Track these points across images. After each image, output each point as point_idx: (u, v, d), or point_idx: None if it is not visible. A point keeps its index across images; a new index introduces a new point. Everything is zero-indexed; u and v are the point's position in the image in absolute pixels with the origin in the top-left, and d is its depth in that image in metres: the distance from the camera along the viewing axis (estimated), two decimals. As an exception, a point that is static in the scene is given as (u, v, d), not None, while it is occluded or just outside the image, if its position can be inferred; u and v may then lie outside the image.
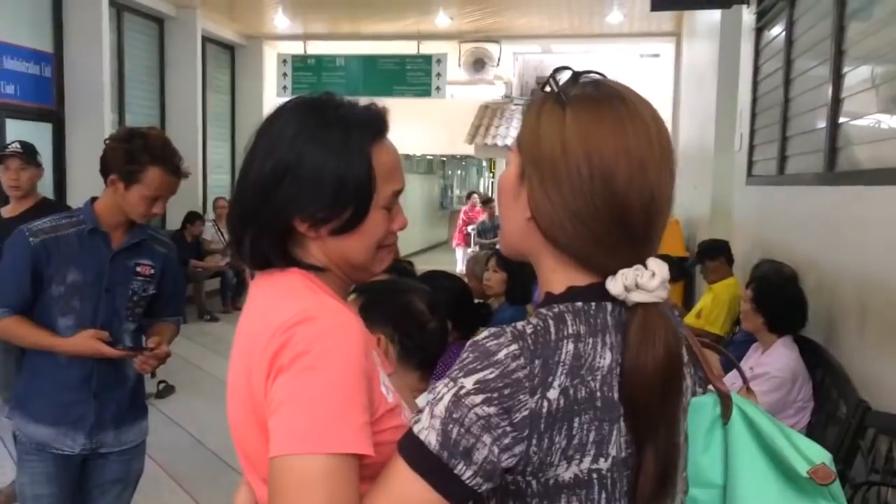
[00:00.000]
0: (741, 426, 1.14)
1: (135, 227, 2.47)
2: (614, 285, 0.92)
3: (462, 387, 0.87)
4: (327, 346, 0.96)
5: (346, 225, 1.07)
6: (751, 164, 5.31)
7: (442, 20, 10.26)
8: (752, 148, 5.31)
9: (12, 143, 4.01)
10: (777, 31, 4.80)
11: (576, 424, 0.88)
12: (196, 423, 5.27)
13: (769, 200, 4.75)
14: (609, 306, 0.93)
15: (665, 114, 10.42)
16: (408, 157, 17.34)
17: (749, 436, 1.14)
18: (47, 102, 7.75)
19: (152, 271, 2.52)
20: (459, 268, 11.91)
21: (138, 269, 2.49)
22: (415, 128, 13.05)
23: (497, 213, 12.92)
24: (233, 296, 9.51)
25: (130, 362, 2.48)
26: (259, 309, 1.07)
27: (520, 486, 0.90)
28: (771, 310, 3.23)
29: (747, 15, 5.55)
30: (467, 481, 0.87)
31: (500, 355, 0.88)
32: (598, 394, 0.89)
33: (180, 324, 2.71)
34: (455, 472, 0.86)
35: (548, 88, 0.98)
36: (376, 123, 1.12)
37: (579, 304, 0.93)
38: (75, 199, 7.54)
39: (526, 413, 0.86)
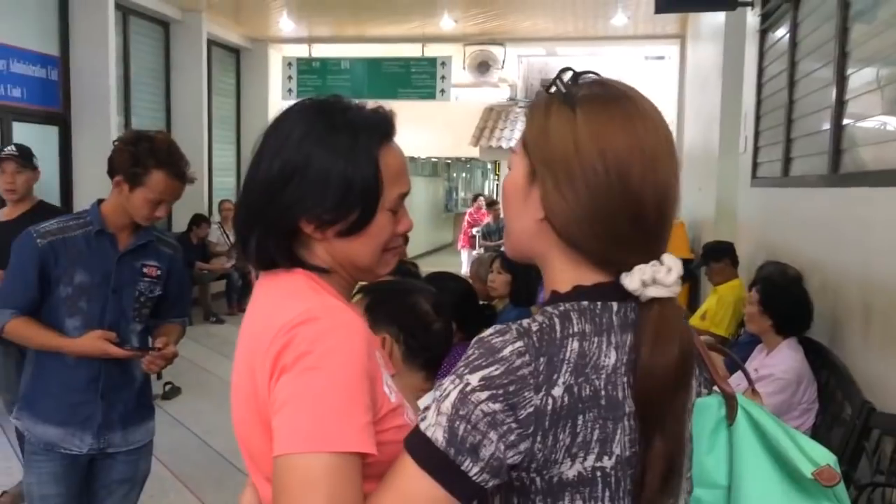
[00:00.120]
0: (746, 427, 1.15)
1: (141, 229, 2.49)
2: (631, 281, 0.92)
3: (468, 383, 0.88)
4: (330, 346, 0.97)
5: (352, 227, 1.08)
6: (755, 165, 5.31)
7: (446, 23, 10.26)
8: (756, 150, 5.30)
9: (8, 146, 3.99)
10: (781, 33, 4.80)
11: (580, 422, 0.89)
12: (202, 425, 5.29)
13: (774, 202, 4.74)
14: (615, 306, 0.94)
15: (670, 116, 10.47)
16: (413, 159, 17.35)
17: (754, 437, 1.15)
18: (54, 105, 7.78)
19: (159, 272, 2.53)
20: (464, 270, 11.91)
21: (145, 270, 2.50)
22: (419, 130, 13.04)
23: (501, 215, 12.92)
24: (238, 298, 9.52)
25: (137, 363, 2.50)
26: (263, 309, 1.08)
27: (524, 482, 0.91)
28: (779, 312, 3.21)
29: (751, 17, 5.55)
30: (474, 478, 0.87)
31: (506, 352, 0.88)
32: (603, 392, 0.90)
33: (186, 325, 2.73)
34: (462, 468, 0.87)
35: (553, 90, 0.99)
36: (384, 126, 1.12)
37: (585, 303, 0.93)
38: (81, 201, 7.58)
39: (531, 410, 0.87)
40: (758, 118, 5.30)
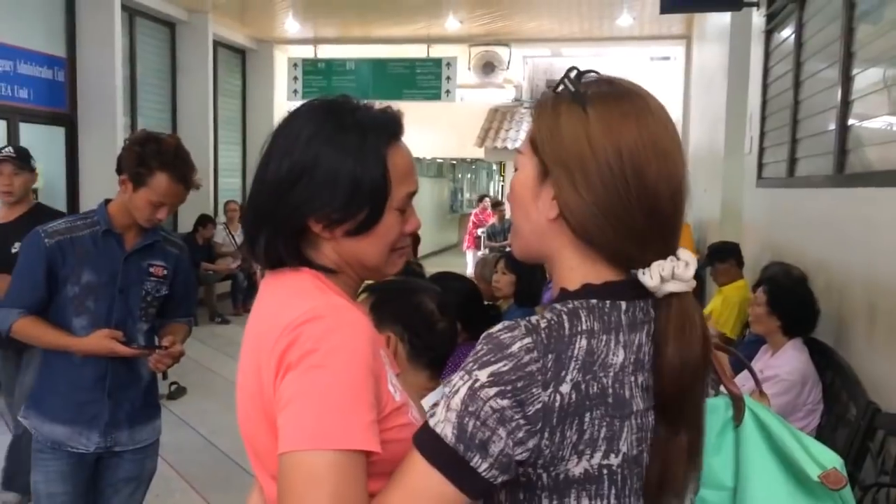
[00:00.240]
0: (753, 429, 1.15)
1: (148, 229, 2.50)
2: (651, 277, 0.93)
3: (477, 379, 0.88)
4: (335, 345, 0.97)
5: (360, 226, 1.09)
6: (761, 166, 5.30)
7: (452, 24, 10.28)
8: (762, 150, 5.30)
9: (5, 147, 3.94)
10: (787, 33, 4.79)
11: (587, 419, 0.89)
12: (207, 425, 5.30)
13: (779, 203, 4.74)
14: (623, 305, 0.94)
15: (675, 116, 10.43)
16: (418, 160, 17.25)
17: (760, 439, 1.15)
18: (60, 106, 7.81)
19: (165, 272, 2.54)
20: (469, 271, 11.91)
21: (151, 269, 2.51)
22: (425, 131, 13.06)
23: (506, 216, 12.93)
24: (243, 298, 9.54)
25: (144, 362, 2.51)
26: (268, 308, 1.09)
27: (530, 478, 0.91)
28: (787, 312, 3.20)
29: (757, 18, 5.54)
30: (483, 474, 0.88)
31: (514, 348, 0.89)
32: (610, 390, 0.91)
33: (192, 324, 2.74)
34: (471, 464, 0.87)
35: (560, 89, 0.99)
36: (392, 126, 1.13)
37: (594, 301, 0.94)
38: (88, 201, 7.61)
39: (539, 406, 0.87)
40: (763, 119, 5.29)
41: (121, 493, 2.59)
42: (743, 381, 2.07)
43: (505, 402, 0.87)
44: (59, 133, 7.89)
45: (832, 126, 3.61)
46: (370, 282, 1.32)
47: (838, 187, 3.52)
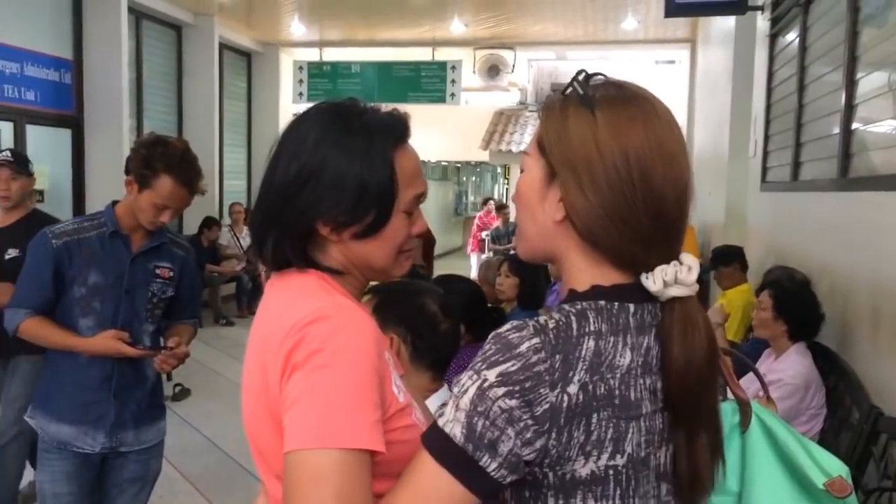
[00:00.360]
0: (759, 435, 1.15)
1: (155, 231, 2.51)
2: (653, 281, 0.94)
3: (486, 379, 0.89)
4: (340, 345, 0.98)
5: (368, 229, 1.09)
6: (765, 170, 5.30)
7: (457, 27, 10.29)
8: (766, 154, 5.29)
9: (3, 151, 3.90)
10: (791, 37, 4.79)
11: (594, 420, 0.90)
12: (211, 426, 5.31)
13: (783, 206, 4.74)
14: (631, 308, 0.95)
15: (680, 120, 10.38)
16: (423, 163, 17.26)
17: (766, 445, 1.15)
18: (67, 108, 7.84)
19: (171, 274, 2.56)
20: (474, 274, 11.90)
21: (157, 271, 2.53)
22: (429, 134, 13.06)
23: (511, 219, 12.93)
24: (248, 300, 9.55)
25: (150, 363, 2.52)
26: (274, 308, 1.09)
27: (536, 477, 0.92)
28: (794, 317, 3.18)
29: (761, 21, 5.55)
30: (492, 473, 0.88)
31: (522, 348, 0.89)
32: (617, 392, 0.91)
33: (197, 326, 2.75)
34: (480, 464, 0.88)
35: (568, 91, 1.00)
36: (399, 129, 1.14)
37: (602, 302, 0.94)
38: (94, 203, 7.63)
39: (547, 406, 0.88)
40: (767, 122, 5.29)
41: (126, 494, 2.60)
42: (747, 383, 2.07)
43: (513, 403, 0.87)
44: (65, 135, 7.91)
45: (836, 130, 3.61)
46: (374, 283, 1.33)
47: (842, 191, 3.52)
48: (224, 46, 10.59)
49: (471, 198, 25.17)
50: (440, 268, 10.56)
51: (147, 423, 2.58)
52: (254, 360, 1.08)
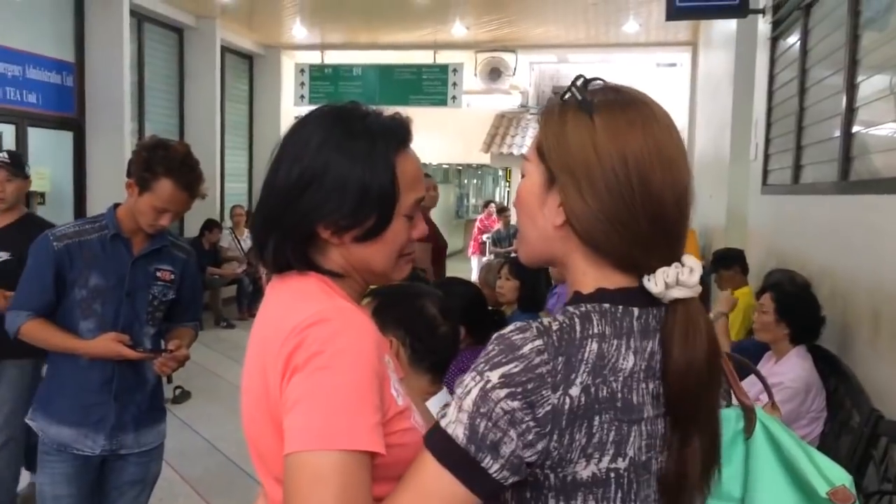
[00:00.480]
0: (763, 442, 1.15)
1: (156, 233, 2.51)
2: (655, 284, 0.94)
3: (488, 380, 0.89)
4: (341, 347, 0.98)
5: (369, 232, 1.10)
6: (766, 173, 5.30)
7: (458, 30, 10.30)
8: (767, 157, 5.29)
9: (0, 152, 3.84)
10: (792, 40, 4.80)
11: (596, 423, 0.90)
12: (211, 429, 5.31)
13: (784, 209, 4.74)
14: (635, 312, 0.95)
15: (681, 123, 10.45)
16: (424, 165, 17.21)
17: (770, 452, 1.15)
18: (68, 111, 7.86)
19: (172, 276, 2.56)
20: (475, 276, 11.91)
21: (158, 274, 2.53)
22: (431, 137, 13.06)
23: (512, 221, 12.93)
24: (249, 303, 9.56)
25: (150, 365, 2.53)
26: (274, 311, 1.10)
27: (538, 478, 0.92)
28: (795, 320, 3.17)
29: (763, 25, 5.55)
30: (494, 475, 0.88)
31: (525, 349, 0.89)
32: (619, 395, 0.91)
33: (198, 329, 2.75)
34: (482, 465, 0.88)
35: (567, 96, 1.00)
36: (401, 133, 1.14)
37: (606, 305, 0.94)
38: (95, 206, 7.64)
39: (549, 408, 0.88)
40: (768, 125, 5.29)
41: (126, 496, 2.60)
42: (748, 385, 2.06)
43: (515, 404, 0.88)
44: (66, 137, 7.93)
45: (837, 133, 3.61)
46: (374, 286, 1.33)
47: (843, 194, 3.52)
48: (226, 49, 10.61)
49: (472, 200, 25.18)
50: (441, 270, 10.55)
51: (147, 425, 2.59)
52: (254, 363, 1.08)
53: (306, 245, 1.11)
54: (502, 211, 13.43)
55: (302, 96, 11.73)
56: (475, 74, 11.72)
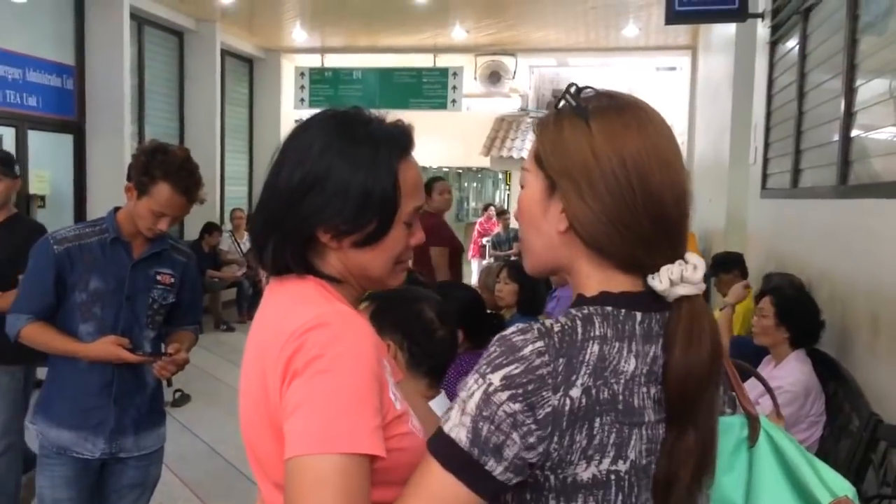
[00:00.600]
0: (767, 450, 1.15)
1: (156, 237, 2.51)
2: (660, 281, 0.95)
3: (491, 383, 0.89)
4: (340, 351, 0.99)
5: (368, 238, 1.10)
6: (765, 176, 5.30)
7: (458, 33, 10.32)
8: (766, 161, 5.30)
9: None
10: (791, 44, 4.80)
11: (597, 425, 0.90)
12: (211, 432, 5.31)
13: (783, 213, 4.74)
14: (638, 316, 0.95)
15: (681, 126, 10.46)
16: (424, 169, 17.35)
17: (774, 461, 1.15)
18: (69, 114, 7.87)
19: (172, 280, 2.56)
20: (475, 280, 11.91)
21: (158, 277, 2.53)
22: (431, 140, 13.07)
23: (511, 225, 12.94)
24: (249, 306, 9.54)
25: (150, 369, 2.52)
26: (273, 315, 1.10)
27: (538, 479, 0.92)
28: (796, 324, 3.17)
29: (762, 29, 5.56)
30: (498, 476, 0.89)
31: (526, 351, 0.90)
32: (620, 397, 0.91)
33: (199, 332, 2.75)
34: (486, 468, 0.88)
35: (561, 104, 1.01)
36: (403, 141, 1.15)
37: (609, 308, 0.95)
38: (95, 209, 7.65)
39: (549, 410, 0.88)
40: (768, 129, 5.30)
41: (125, 500, 2.60)
42: (747, 388, 2.06)
43: (517, 407, 0.88)
44: (67, 140, 7.94)
45: (836, 137, 3.62)
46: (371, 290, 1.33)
47: (842, 198, 3.52)
48: (226, 52, 10.62)
49: (472, 204, 25.16)
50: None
51: (147, 428, 2.59)
52: (252, 367, 1.09)
53: (305, 248, 1.11)
54: (502, 214, 13.44)
55: (302, 100, 11.75)
56: (475, 78, 11.73)
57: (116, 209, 2.52)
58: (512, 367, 0.89)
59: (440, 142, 13.73)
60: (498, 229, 13.27)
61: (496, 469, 0.88)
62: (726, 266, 5.16)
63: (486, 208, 15.70)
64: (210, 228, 9.20)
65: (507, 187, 21.99)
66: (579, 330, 0.92)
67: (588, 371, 0.90)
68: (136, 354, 2.43)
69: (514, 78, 12.06)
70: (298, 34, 10.60)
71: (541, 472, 0.91)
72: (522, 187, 1.05)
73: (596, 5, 8.89)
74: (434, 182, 5.40)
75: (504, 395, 0.88)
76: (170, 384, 5.51)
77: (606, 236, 0.95)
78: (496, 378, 0.89)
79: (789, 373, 3.14)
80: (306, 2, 9.56)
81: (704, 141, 8.96)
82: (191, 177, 2.42)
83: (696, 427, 0.95)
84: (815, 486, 1.12)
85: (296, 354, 0.99)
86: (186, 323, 2.68)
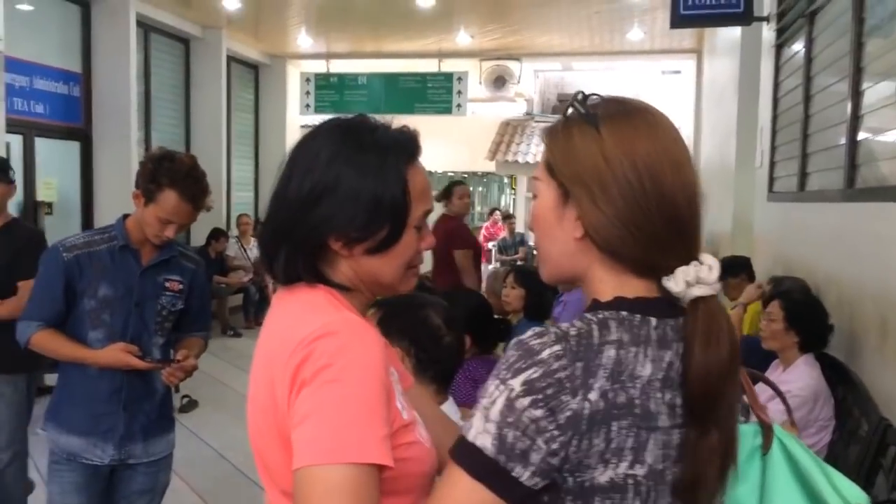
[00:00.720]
0: (780, 459, 1.15)
1: (165, 244, 2.51)
2: (675, 283, 0.95)
3: (512, 389, 0.89)
4: (349, 360, 0.99)
5: (380, 245, 1.10)
6: (772, 180, 5.30)
7: (463, 38, 10.33)
8: (772, 164, 5.29)
9: None
10: (797, 48, 4.80)
11: (614, 428, 0.90)
12: (218, 438, 5.31)
13: (790, 217, 4.73)
14: (653, 322, 0.95)
15: (686, 130, 10.45)
16: (430, 174, 17.27)
17: (787, 469, 1.14)
18: (76, 121, 7.90)
19: (181, 287, 2.57)
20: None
21: (167, 284, 2.54)
22: (436, 145, 13.04)
23: (517, 229, 12.93)
24: (255, 312, 9.57)
25: (159, 375, 2.53)
26: (282, 323, 1.10)
27: (556, 482, 0.92)
28: (805, 328, 3.16)
29: (767, 32, 5.55)
30: (525, 482, 0.89)
31: (544, 354, 0.90)
32: (637, 402, 0.91)
33: (208, 339, 2.76)
34: (513, 474, 0.89)
35: (570, 112, 1.02)
36: (410, 147, 1.15)
37: (624, 313, 0.95)
38: (102, 215, 7.68)
39: (569, 413, 0.89)
40: (774, 133, 5.29)
41: (134, 506, 2.61)
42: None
43: (538, 413, 0.88)
44: (74, 147, 7.97)
45: (843, 140, 3.61)
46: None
47: (849, 202, 3.51)
48: (232, 59, 10.65)
49: (477, 208, 25.14)
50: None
51: (156, 435, 2.59)
52: (260, 374, 1.09)
53: (316, 257, 1.11)
54: (507, 218, 13.42)
55: (307, 105, 11.77)
56: (480, 82, 11.74)
57: (125, 216, 2.53)
58: (531, 370, 0.89)
59: (446, 146, 13.73)
60: (504, 234, 13.24)
61: (523, 475, 0.89)
62: (733, 270, 5.14)
63: (491, 212, 15.66)
64: (216, 234, 9.22)
65: (513, 192, 21.97)
66: (596, 334, 0.92)
67: (605, 375, 0.90)
68: (145, 361, 2.43)
69: (518, 82, 12.08)
70: (304, 40, 10.63)
71: (559, 474, 0.91)
72: (534, 197, 1.05)
73: (600, 9, 8.89)
74: (454, 186, 5.40)
75: (526, 401, 0.89)
76: (177, 390, 5.53)
77: (620, 239, 0.96)
78: (517, 383, 0.89)
79: (798, 377, 3.12)
80: (311, 8, 9.59)
81: (710, 144, 8.94)
82: (197, 184, 2.43)
83: (719, 426, 0.95)
84: (828, 495, 1.12)
85: (304, 363, 0.99)
86: (195, 329, 2.69)
